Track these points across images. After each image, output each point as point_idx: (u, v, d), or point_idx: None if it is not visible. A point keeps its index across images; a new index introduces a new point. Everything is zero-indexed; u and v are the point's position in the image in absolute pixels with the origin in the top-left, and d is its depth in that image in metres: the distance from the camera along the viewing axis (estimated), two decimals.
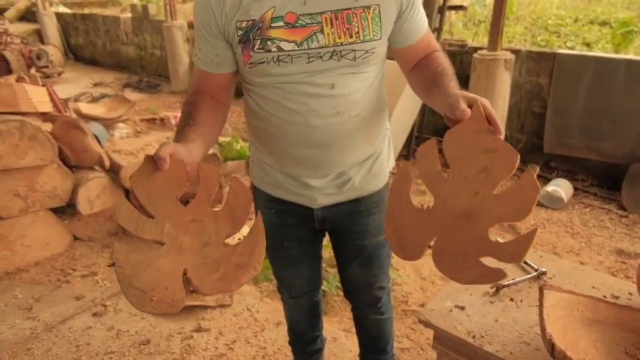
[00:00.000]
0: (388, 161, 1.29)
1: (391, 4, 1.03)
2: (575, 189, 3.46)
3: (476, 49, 3.68)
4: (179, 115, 5.06)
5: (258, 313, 2.24)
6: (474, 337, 1.02)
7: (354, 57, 1.03)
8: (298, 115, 1.07)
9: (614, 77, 3.27)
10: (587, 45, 4.61)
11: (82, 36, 8.79)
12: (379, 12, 1.02)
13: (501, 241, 0.92)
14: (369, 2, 1.01)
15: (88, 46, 8.73)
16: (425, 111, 4.05)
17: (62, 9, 9.44)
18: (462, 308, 1.10)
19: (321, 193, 1.21)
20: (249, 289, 2.42)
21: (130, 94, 6.15)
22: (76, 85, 6.96)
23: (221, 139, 3.90)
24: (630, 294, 1.14)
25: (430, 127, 4.17)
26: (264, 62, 1.02)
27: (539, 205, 3.30)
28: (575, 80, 3.42)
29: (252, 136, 1.24)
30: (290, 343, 1.71)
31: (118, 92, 6.33)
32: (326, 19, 0.99)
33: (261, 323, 2.18)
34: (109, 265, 0.89)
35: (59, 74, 7.31)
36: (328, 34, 1.00)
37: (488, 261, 0.84)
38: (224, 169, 2.99)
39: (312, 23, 0.99)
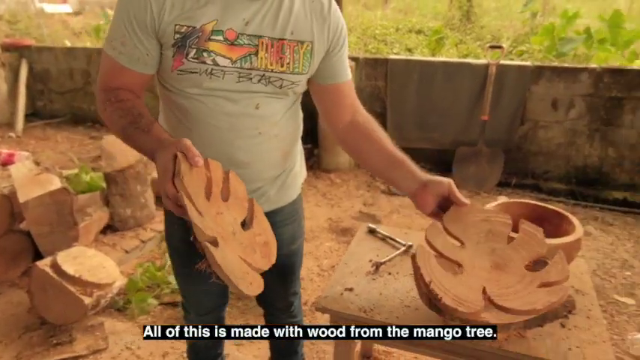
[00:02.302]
0: (301, 173, 1.35)
1: (323, 45, 1.12)
2: None
3: None
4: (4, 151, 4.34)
5: (139, 349, 2.09)
6: (365, 311, 1.12)
7: (281, 85, 1.09)
8: (222, 133, 1.08)
9: (434, 77, 3.81)
10: (409, 50, 5.27)
11: None
12: (312, 49, 1.10)
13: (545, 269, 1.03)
14: (304, 38, 1.08)
15: None
16: None
17: None
18: (351, 290, 1.21)
19: None
20: (125, 327, 2.24)
21: None
22: None
23: (66, 171, 3.52)
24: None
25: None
26: (197, 73, 1.02)
27: (393, 194, 3.67)
28: (405, 82, 3.89)
29: None
30: None
31: None
32: (262, 43, 1.03)
33: (146, 359, 2.04)
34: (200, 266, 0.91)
35: None
36: (262, 58, 1.04)
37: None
38: (77, 204, 2.71)
39: (249, 44, 1.02)
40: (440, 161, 4.04)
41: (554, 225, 1.30)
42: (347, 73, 1.22)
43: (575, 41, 4.20)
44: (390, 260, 1.33)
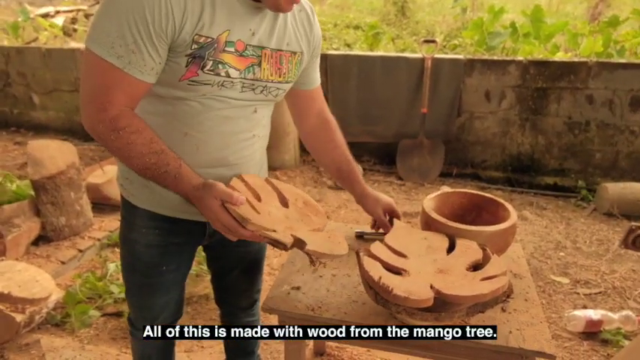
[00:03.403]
0: (266, 171, 1.36)
1: (308, 53, 1.18)
2: (364, 169, 3.99)
3: None
4: None
5: None
6: (312, 310, 1.12)
7: (277, 95, 1.14)
8: (220, 137, 1.08)
9: (373, 71, 3.87)
10: (348, 45, 5.33)
11: None
12: (301, 59, 1.15)
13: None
14: (296, 49, 1.12)
15: None
16: None
17: None
18: (298, 288, 1.20)
19: None
20: (64, 342, 2.11)
21: None
22: None
23: None
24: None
25: None
26: (210, 84, 1.00)
27: (340, 189, 3.70)
28: (345, 76, 3.93)
29: None
30: None
31: None
32: (265, 54, 1.05)
33: None
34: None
35: None
36: (265, 68, 1.06)
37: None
38: (2, 215, 2.51)
39: (254, 55, 1.03)
40: (384, 154, 4.12)
41: (491, 212, 1.36)
42: (318, 79, 1.30)
43: (502, 35, 4.41)
44: None
